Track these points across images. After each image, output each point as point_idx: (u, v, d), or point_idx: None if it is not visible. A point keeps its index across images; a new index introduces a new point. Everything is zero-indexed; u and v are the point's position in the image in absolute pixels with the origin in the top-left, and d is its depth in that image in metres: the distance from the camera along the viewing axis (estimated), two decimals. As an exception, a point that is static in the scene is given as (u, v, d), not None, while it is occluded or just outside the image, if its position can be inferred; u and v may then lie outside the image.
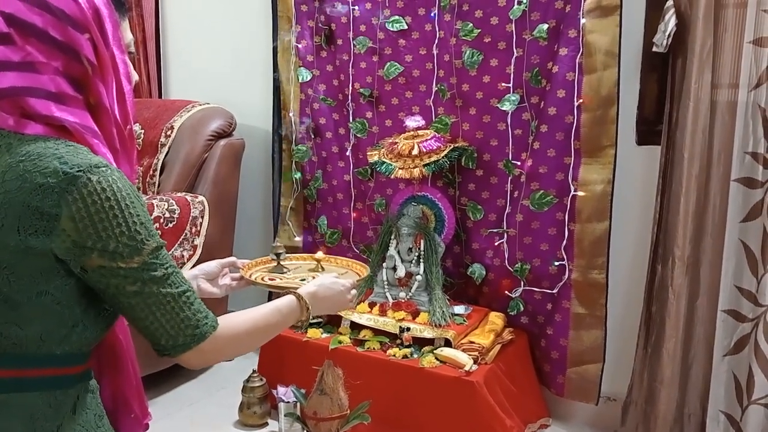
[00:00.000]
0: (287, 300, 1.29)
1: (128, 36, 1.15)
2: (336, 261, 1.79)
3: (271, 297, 2.89)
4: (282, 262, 1.70)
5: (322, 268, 1.70)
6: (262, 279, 1.62)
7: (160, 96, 3.35)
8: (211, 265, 1.50)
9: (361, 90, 2.63)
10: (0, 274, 0.95)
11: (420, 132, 2.44)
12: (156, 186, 2.73)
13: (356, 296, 1.54)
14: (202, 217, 2.56)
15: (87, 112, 1.03)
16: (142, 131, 2.84)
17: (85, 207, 0.94)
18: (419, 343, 2.22)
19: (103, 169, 0.96)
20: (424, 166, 2.32)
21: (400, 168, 2.36)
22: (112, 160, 1.04)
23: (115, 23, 1.06)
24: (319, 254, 1.75)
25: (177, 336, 1.03)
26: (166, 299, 1.01)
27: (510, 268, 2.41)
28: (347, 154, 2.73)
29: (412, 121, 2.46)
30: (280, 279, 1.63)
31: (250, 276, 1.61)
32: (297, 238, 2.90)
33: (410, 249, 2.41)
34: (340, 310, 1.50)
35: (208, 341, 1.06)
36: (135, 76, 1.16)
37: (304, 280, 1.58)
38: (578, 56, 2.17)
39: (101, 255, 0.96)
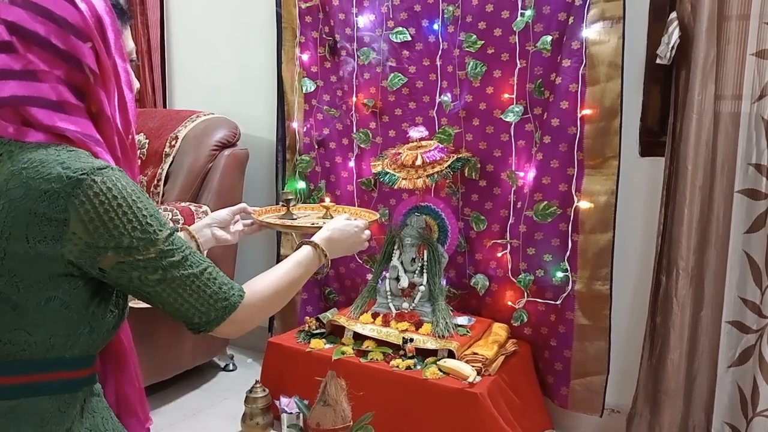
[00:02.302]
0: (304, 251, 1.32)
1: (130, 44, 1.16)
2: (344, 209, 1.80)
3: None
4: (291, 210, 1.72)
5: (331, 216, 1.72)
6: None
7: (164, 106, 3.37)
8: (222, 213, 1.56)
9: (365, 101, 2.63)
10: (9, 282, 0.95)
11: (423, 142, 2.44)
12: (160, 195, 2.74)
13: (370, 236, 1.56)
14: (206, 227, 2.56)
15: (89, 121, 1.04)
16: (147, 141, 2.84)
17: (93, 209, 0.94)
18: (422, 354, 2.21)
19: (106, 170, 0.97)
20: (428, 176, 2.33)
21: (403, 178, 2.36)
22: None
23: (117, 32, 1.07)
24: (328, 201, 1.76)
25: (209, 312, 1.05)
26: (190, 280, 1.03)
27: (513, 279, 2.41)
28: (351, 164, 2.73)
29: (416, 132, 2.47)
30: (291, 223, 1.66)
31: (262, 220, 1.65)
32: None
33: (413, 259, 2.41)
34: (356, 251, 1.53)
35: (239, 310, 1.08)
36: (136, 84, 1.17)
37: (314, 223, 1.60)
38: (581, 68, 2.17)
39: (117, 252, 0.97)
